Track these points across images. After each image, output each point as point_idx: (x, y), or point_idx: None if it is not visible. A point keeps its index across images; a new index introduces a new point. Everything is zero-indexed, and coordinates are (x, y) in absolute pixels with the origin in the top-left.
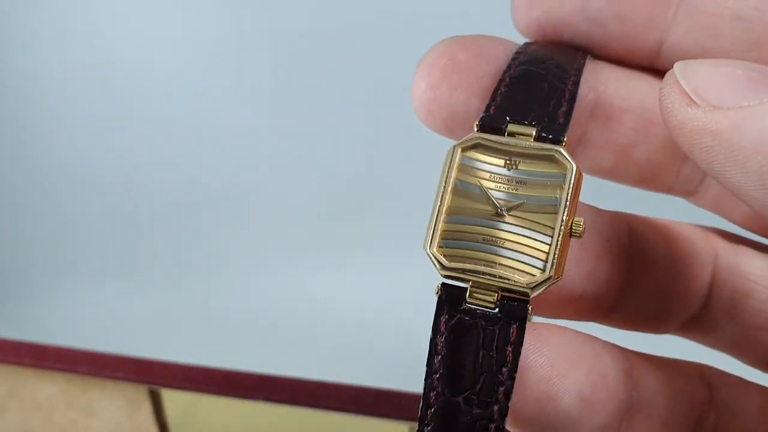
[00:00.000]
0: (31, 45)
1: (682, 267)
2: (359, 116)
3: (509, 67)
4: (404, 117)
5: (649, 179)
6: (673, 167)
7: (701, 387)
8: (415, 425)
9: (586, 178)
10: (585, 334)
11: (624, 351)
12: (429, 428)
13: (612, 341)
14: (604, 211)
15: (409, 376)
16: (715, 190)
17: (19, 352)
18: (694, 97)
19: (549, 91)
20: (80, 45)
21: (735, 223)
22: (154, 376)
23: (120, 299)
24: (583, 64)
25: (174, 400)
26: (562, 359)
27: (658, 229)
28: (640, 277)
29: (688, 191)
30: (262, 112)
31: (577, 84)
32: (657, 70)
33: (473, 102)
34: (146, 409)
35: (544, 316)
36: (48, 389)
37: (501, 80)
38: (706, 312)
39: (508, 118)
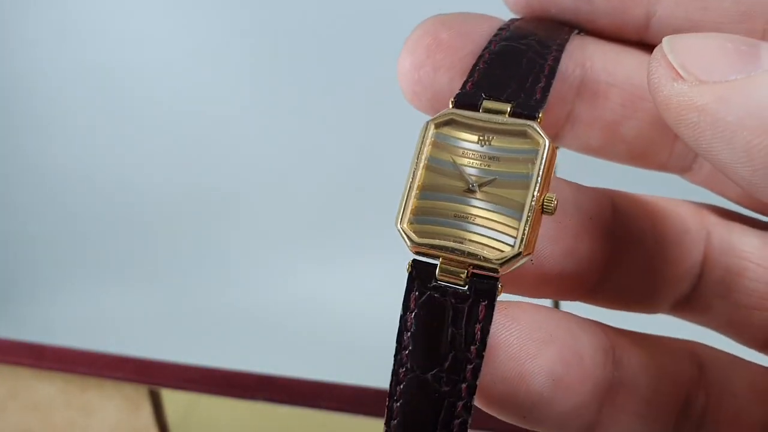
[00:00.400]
0: (30, 45)
1: (670, 245)
2: (360, 115)
3: (490, 43)
4: (405, 115)
5: (640, 156)
6: (665, 144)
7: (690, 366)
8: None
9: (578, 158)
10: (561, 312)
11: (605, 329)
12: (398, 404)
13: (602, 320)
14: (585, 187)
15: None
16: (709, 166)
17: (18, 352)
18: (681, 72)
19: (527, 66)
20: (80, 45)
21: (730, 199)
22: (154, 376)
23: (120, 299)
24: (566, 40)
25: (174, 400)
26: (533, 338)
27: (643, 205)
28: (624, 255)
29: (683, 168)
30: (261, 112)
31: (557, 60)
32: (647, 45)
33: (457, 82)
34: (146, 409)
35: (522, 295)
36: (47, 389)
37: (480, 57)
38: (698, 291)
39: (483, 94)
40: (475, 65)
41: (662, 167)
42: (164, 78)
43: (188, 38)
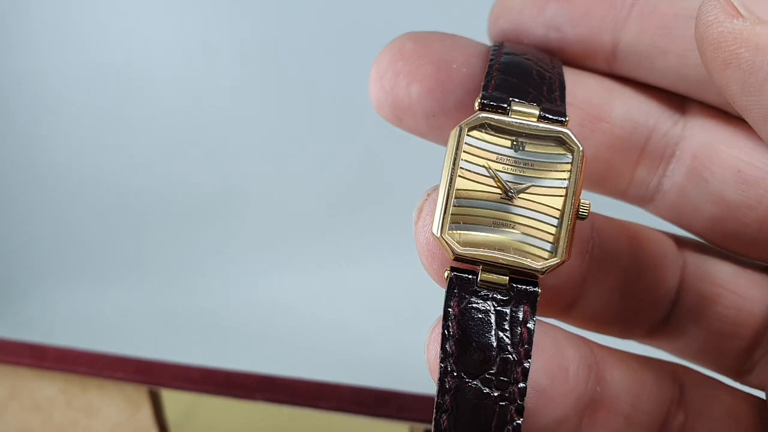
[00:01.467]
0: (30, 45)
1: (647, 267)
2: (357, 117)
3: (495, 56)
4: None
5: (598, 180)
6: (624, 169)
7: (671, 386)
8: (416, 425)
9: None
10: (548, 324)
11: (591, 345)
12: (446, 415)
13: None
14: None
15: (408, 376)
16: (673, 197)
17: (19, 352)
18: (741, 10)
19: (539, 77)
20: (79, 45)
21: (695, 233)
22: (154, 376)
23: (120, 299)
24: (559, 62)
25: (174, 400)
26: None
27: (621, 227)
28: (601, 274)
29: (644, 198)
30: (260, 113)
31: (561, 76)
32: (615, 75)
33: (414, 88)
34: (146, 410)
35: None
36: (48, 389)
37: (491, 66)
38: (672, 317)
39: (509, 97)
40: (488, 72)
41: (622, 195)
42: (163, 79)
43: (189, 38)
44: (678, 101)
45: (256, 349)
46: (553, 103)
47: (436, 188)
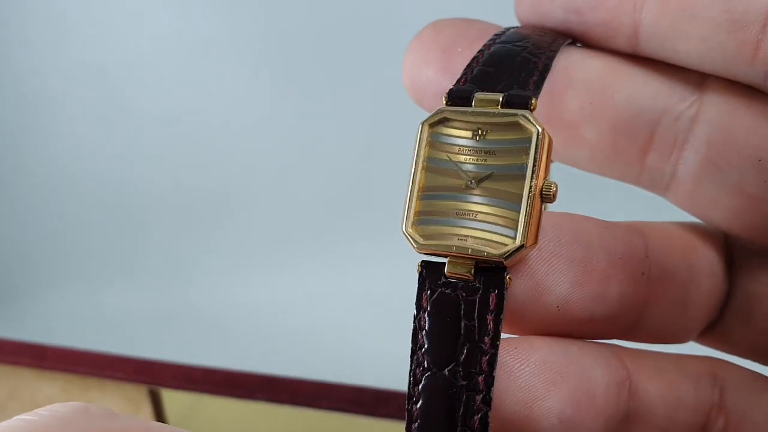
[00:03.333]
0: (28, 45)
1: (702, 278)
2: (357, 118)
3: (486, 45)
4: (403, 117)
5: (607, 164)
6: (632, 154)
7: (710, 390)
8: None
9: (590, 180)
10: (576, 343)
11: (622, 355)
12: (417, 405)
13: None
14: (615, 224)
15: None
16: (688, 186)
17: (19, 352)
18: None
19: (521, 63)
20: (78, 45)
21: (714, 223)
22: (154, 376)
23: (120, 299)
24: (560, 44)
25: (174, 400)
26: (542, 379)
27: (676, 238)
28: (660, 293)
29: (660, 186)
30: (260, 113)
31: (551, 59)
32: (641, 57)
33: (426, 71)
34: (146, 409)
35: (551, 335)
36: (48, 389)
37: (475, 57)
38: (721, 318)
39: (476, 88)
40: (469, 65)
41: (637, 181)
42: (162, 80)
43: (187, 37)
44: (697, 80)
45: (256, 349)
46: (524, 88)
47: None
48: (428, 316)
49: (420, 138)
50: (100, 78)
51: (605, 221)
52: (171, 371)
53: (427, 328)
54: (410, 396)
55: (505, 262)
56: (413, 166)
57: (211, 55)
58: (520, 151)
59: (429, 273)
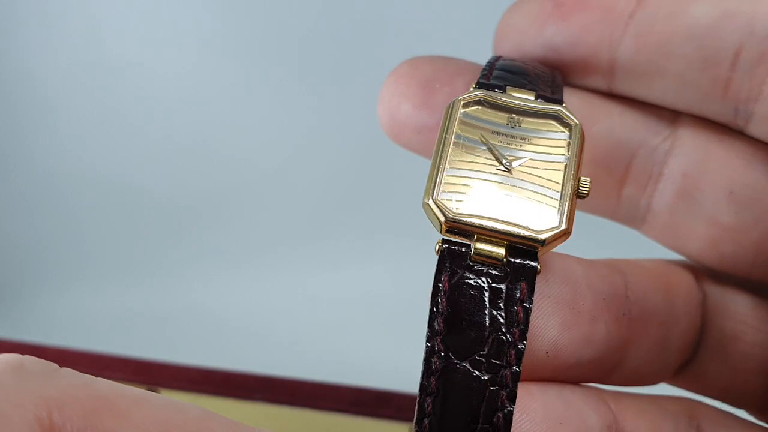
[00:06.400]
0: (28, 45)
1: (681, 316)
2: (357, 118)
3: (491, 62)
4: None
5: (586, 197)
6: (610, 187)
7: (688, 429)
8: None
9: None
10: (568, 388)
11: (607, 398)
12: (432, 398)
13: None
14: (596, 263)
15: (408, 377)
16: (664, 218)
17: (18, 352)
18: None
19: (536, 77)
20: (77, 45)
21: (690, 257)
22: (153, 377)
23: (120, 299)
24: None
25: None
26: (544, 429)
27: (653, 277)
28: (640, 333)
29: (635, 219)
30: (260, 114)
31: (562, 84)
32: (614, 94)
33: (404, 106)
34: None
35: (534, 381)
36: None
37: (488, 65)
38: (695, 358)
39: (506, 84)
40: (485, 68)
41: (613, 215)
42: (162, 81)
43: (186, 37)
44: (670, 117)
45: (255, 350)
46: (547, 92)
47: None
48: (448, 300)
49: (452, 113)
50: (98, 78)
51: (587, 260)
52: (170, 372)
53: (446, 314)
54: (423, 387)
55: (541, 247)
56: (442, 138)
57: (211, 55)
58: (558, 143)
59: (450, 253)
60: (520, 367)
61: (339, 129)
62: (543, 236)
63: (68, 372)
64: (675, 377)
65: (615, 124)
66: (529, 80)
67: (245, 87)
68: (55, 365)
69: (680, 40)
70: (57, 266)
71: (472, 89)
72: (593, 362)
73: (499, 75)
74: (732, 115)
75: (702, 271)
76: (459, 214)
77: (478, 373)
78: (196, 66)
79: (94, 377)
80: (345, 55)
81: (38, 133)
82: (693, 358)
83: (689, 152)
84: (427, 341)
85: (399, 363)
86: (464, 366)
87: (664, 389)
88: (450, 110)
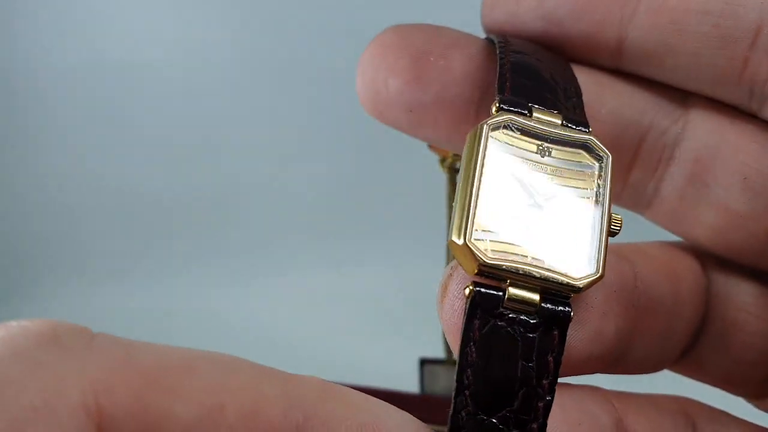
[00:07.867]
0: (28, 45)
1: (686, 305)
2: (357, 119)
3: (504, 54)
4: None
5: None
6: (618, 169)
7: (685, 428)
8: None
9: None
10: (581, 389)
11: (611, 398)
12: None
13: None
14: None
15: (408, 377)
16: (672, 203)
17: None
18: None
19: (553, 83)
20: (78, 45)
21: (696, 241)
22: None
23: (120, 300)
24: (566, 60)
25: None
26: (565, 431)
27: (660, 264)
28: (647, 324)
29: (641, 203)
30: (260, 114)
31: (576, 79)
32: (620, 71)
33: (392, 81)
34: None
35: None
36: None
37: (502, 65)
38: (697, 345)
39: (529, 102)
40: (501, 73)
41: (617, 198)
42: (162, 82)
43: (187, 39)
44: (680, 97)
45: (255, 350)
46: (571, 111)
47: (457, 266)
48: (478, 351)
49: (478, 141)
50: (99, 79)
51: None
52: None
53: (476, 366)
54: None
55: (576, 294)
56: (471, 170)
57: (211, 55)
58: (589, 175)
59: (483, 299)
60: (546, 421)
61: (340, 129)
62: (580, 283)
63: (104, 339)
64: (675, 364)
65: (624, 104)
66: (549, 90)
67: (246, 87)
68: (89, 330)
69: (696, 17)
70: (57, 266)
71: (494, 109)
72: (601, 356)
73: (516, 85)
74: (746, 98)
75: (707, 257)
76: (495, 258)
77: (505, 428)
78: (197, 66)
79: (131, 341)
80: (345, 55)
81: (39, 134)
82: (694, 345)
83: (702, 136)
84: (455, 394)
85: (399, 363)
86: (491, 422)
87: (660, 382)
88: (476, 134)
